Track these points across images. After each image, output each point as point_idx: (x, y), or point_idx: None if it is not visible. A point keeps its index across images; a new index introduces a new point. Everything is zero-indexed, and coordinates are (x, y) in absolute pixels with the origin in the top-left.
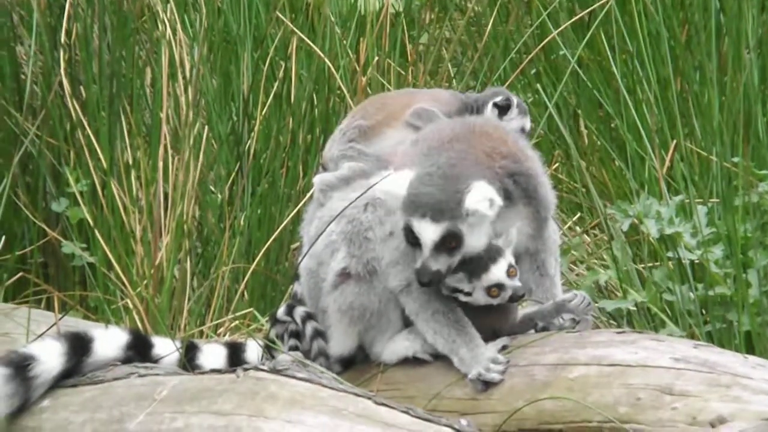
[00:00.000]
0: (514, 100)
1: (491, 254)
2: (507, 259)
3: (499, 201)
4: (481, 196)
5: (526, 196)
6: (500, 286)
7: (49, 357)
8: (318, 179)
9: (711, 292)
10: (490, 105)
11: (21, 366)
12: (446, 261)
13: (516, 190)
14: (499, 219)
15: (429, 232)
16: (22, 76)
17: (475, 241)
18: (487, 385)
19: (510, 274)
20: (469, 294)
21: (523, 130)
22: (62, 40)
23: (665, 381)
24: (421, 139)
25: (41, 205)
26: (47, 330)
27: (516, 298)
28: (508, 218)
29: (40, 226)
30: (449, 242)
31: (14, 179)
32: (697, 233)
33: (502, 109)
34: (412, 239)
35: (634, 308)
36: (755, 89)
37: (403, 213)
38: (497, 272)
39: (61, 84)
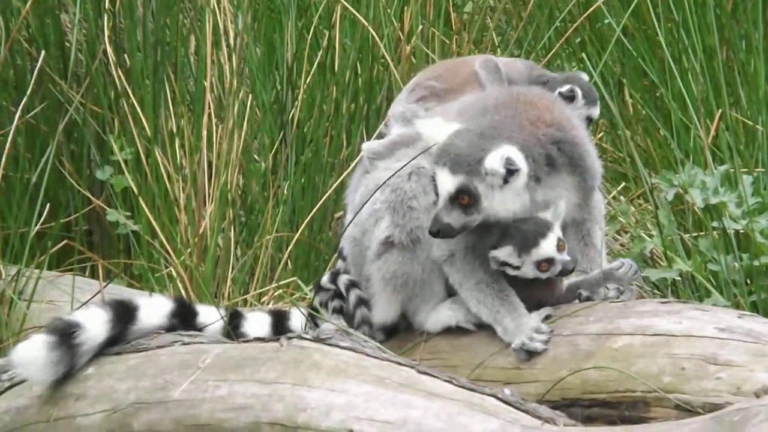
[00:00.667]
0: (579, 91)
1: (540, 228)
2: (556, 233)
3: (523, 167)
4: (502, 157)
5: (571, 164)
6: (550, 261)
7: (94, 324)
8: (366, 147)
9: (756, 262)
10: (555, 93)
11: (66, 333)
12: (460, 218)
13: (560, 157)
14: (544, 187)
15: (445, 182)
16: (67, 44)
17: (497, 205)
18: (531, 354)
19: (560, 248)
20: (518, 268)
21: (590, 119)
22: (106, 7)
23: (710, 351)
24: (468, 105)
25: (86, 173)
26: (92, 298)
27: (566, 272)
28: (554, 186)
29: (85, 194)
30: (462, 197)
31: (59, 147)
32: (742, 203)
33: (568, 99)
34: (436, 189)
35: (679, 278)
36: None
37: (432, 160)
38: (547, 247)
39: (105, 52)
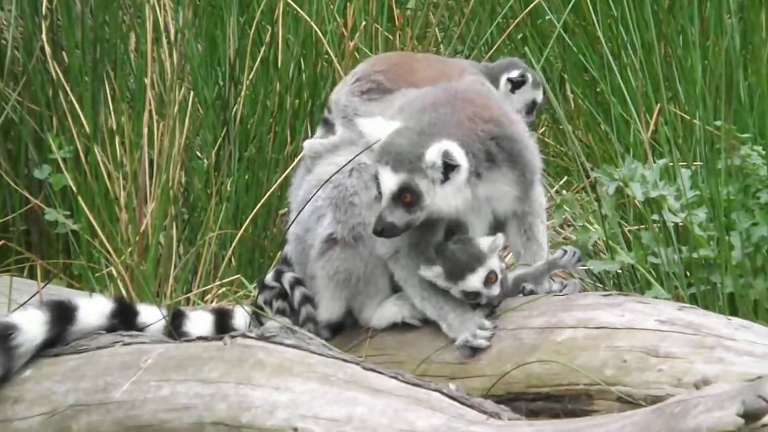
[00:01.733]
0: (529, 76)
1: (472, 262)
2: (488, 266)
3: (463, 163)
4: (440, 150)
5: (510, 160)
6: (476, 294)
7: (32, 326)
8: (307, 145)
9: (695, 255)
10: (504, 78)
11: (3, 335)
12: (403, 216)
13: (500, 153)
14: (485, 182)
15: (388, 181)
16: (3, 42)
17: (439, 201)
18: (475, 351)
19: (489, 280)
20: (446, 287)
21: (534, 103)
22: (44, 5)
23: (651, 343)
24: (407, 103)
25: (23, 172)
26: (30, 299)
27: (490, 305)
28: (494, 181)
29: (23, 193)
30: (404, 195)
31: None
32: (681, 196)
33: (516, 84)
34: (378, 188)
35: (621, 271)
36: (737, 53)
37: (373, 159)
38: (473, 282)
39: (42, 49)
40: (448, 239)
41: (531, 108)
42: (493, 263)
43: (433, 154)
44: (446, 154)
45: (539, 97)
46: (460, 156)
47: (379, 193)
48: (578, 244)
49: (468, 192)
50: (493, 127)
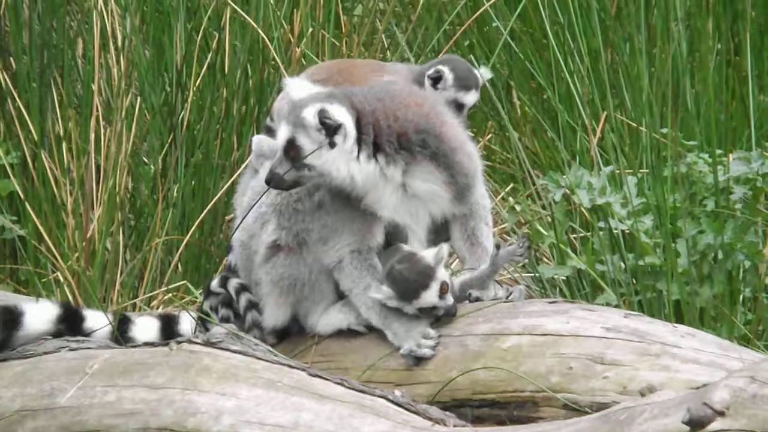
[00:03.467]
0: (447, 72)
1: (423, 279)
2: (439, 279)
3: (347, 125)
4: (317, 110)
5: (436, 159)
6: (432, 309)
7: None
8: (256, 140)
9: (641, 262)
10: (426, 77)
11: None
12: (291, 172)
13: (423, 148)
14: (413, 176)
15: (281, 132)
16: None
17: (328, 165)
18: (419, 360)
19: (443, 291)
20: (398, 306)
21: (459, 104)
22: None
23: (597, 350)
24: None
25: None
26: None
27: (449, 314)
28: (424, 179)
29: None
30: (290, 150)
31: None
32: (627, 203)
33: (435, 81)
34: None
35: (566, 277)
36: (683, 61)
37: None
38: (428, 297)
39: None
40: (388, 246)
41: (457, 108)
42: (442, 274)
43: (308, 111)
44: (322, 112)
45: (467, 98)
46: (341, 115)
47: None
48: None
49: (372, 168)
50: (419, 120)
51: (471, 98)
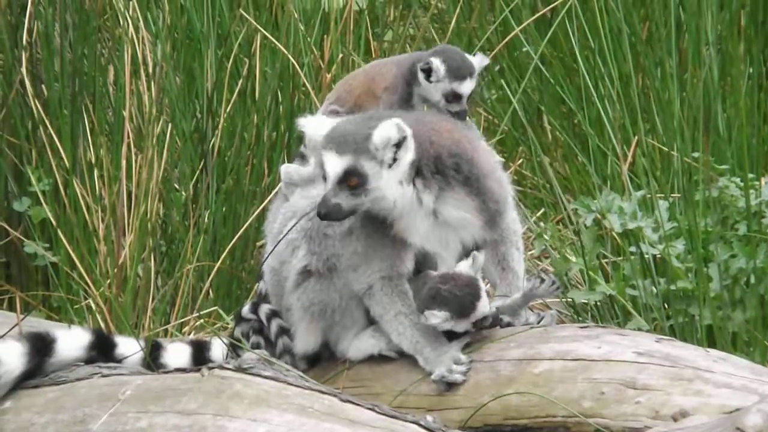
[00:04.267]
0: (438, 63)
1: (474, 291)
2: (484, 288)
3: (410, 139)
4: (390, 128)
5: (469, 184)
6: (486, 318)
7: (11, 358)
8: (283, 169)
9: (673, 287)
10: (418, 69)
11: None
12: (348, 199)
13: (456, 173)
14: (445, 203)
15: (333, 164)
16: None
17: (384, 186)
18: (450, 385)
19: (490, 297)
20: (450, 328)
21: (455, 93)
22: (24, 38)
23: (628, 375)
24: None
25: (3, 204)
26: (9, 330)
27: (493, 325)
28: (456, 206)
29: (2, 225)
30: (350, 179)
31: None
32: (658, 228)
33: (427, 73)
34: (324, 173)
35: (599, 302)
36: (715, 85)
37: (321, 150)
38: (483, 307)
39: (22, 82)
40: (417, 273)
41: (452, 98)
42: (482, 283)
43: (385, 129)
44: (399, 126)
45: (460, 88)
46: (406, 127)
47: (324, 177)
48: (557, 273)
49: (410, 192)
50: (452, 145)
51: (466, 87)
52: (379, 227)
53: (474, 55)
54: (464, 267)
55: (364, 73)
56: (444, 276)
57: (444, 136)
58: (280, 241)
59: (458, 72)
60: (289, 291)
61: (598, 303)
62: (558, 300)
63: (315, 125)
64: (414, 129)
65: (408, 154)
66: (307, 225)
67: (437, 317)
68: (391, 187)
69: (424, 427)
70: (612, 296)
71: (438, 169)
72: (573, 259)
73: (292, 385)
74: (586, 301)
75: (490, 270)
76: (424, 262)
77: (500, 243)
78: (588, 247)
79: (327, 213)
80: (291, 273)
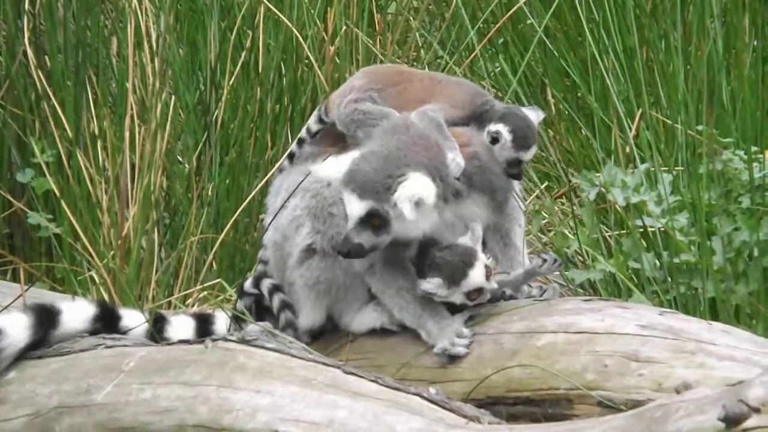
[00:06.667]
0: (506, 135)
1: (468, 258)
2: (481, 259)
3: (431, 199)
4: (412, 193)
5: (482, 188)
6: (480, 290)
7: (15, 329)
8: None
9: (676, 260)
10: (486, 129)
11: None
12: (370, 238)
13: (469, 181)
14: (455, 205)
15: (354, 206)
16: None
17: (408, 226)
18: (453, 358)
19: (487, 275)
20: (445, 297)
21: (517, 161)
22: (26, 8)
23: (631, 348)
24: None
25: (6, 175)
26: (13, 302)
27: (495, 299)
28: (465, 204)
29: (5, 196)
30: (373, 221)
31: None
32: (662, 201)
33: (492, 140)
34: (344, 211)
35: (596, 281)
36: (719, 58)
37: (341, 187)
38: (476, 277)
39: (25, 53)
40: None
41: (513, 165)
42: (485, 258)
43: (404, 194)
44: (419, 200)
45: (524, 156)
46: (429, 190)
47: (345, 216)
48: (556, 251)
49: (435, 215)
50: (469, 157)
51: (530, 155)
52: None
53: (530, 105)
54: (463, 239)
55: (421, 84)
56: (442, 246)
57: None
58: (276, 214)
59: (524, 142)
60: (292, 267)
61: (598, 281)
62: (559, 275)
63: (331, 168)
64: (429, 155)
65: (429, 204)
66: (311, 203)
67: (430, 283)
68: (416, 225)
69: (427, 399)
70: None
71: (463, 182)
72: (574, 233)
73: (295, 357)
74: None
75: (492, 245)
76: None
77: (504, 222)
78: (587, 223)
79: (349, 252)
80: (295, 250)
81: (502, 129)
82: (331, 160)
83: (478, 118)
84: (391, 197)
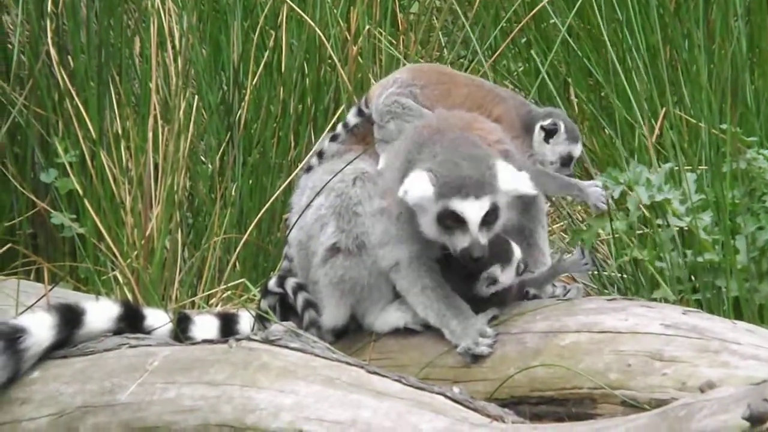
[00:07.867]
0: (562, 125)
1: (502, 239)
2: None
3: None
4: (511, 174)
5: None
6: (511, 289)
7: (40, 329)
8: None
9: (700, 259)
10: (537, 126)
11: (11, 338)
12: (488, 235)
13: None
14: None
15: (475, 208)
16: (9, 46)
17: (508, 215)
18: (477, 358)
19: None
20: (497, 282)
21: (570, 156)
22: (49, 8)
23: (655, 347)
24: (409, 137)
25: (30, 175)
26: (37, 301)
27: (522, 296)
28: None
29: (29, 196)
30: (492, 215)
31: (2, 150)
32: (686, 200)
33: (549, 133)
34: (451, 222)
35: (624, 275)
36: (743, 57)
37: (439, 200)
38: (516, 250)
39: (48, 53)
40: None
41: (567, 161)
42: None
43: (506, 179)
44: (519, 184)
45: (575, 151)
46: (524, 176)
47: (448, 228)
48: (587, 238)
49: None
50: (502, 145)
51: (579, 150)
52: (413, 216)
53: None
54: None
55: (468, 91)
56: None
57: (492, 139)
58: (302, 213)
59: (574, 134)
60: (316, 266)
61: (625, 276)
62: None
63: (414, 189)
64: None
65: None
66: (336, 202)
67: (495, 271)
68: (509, 213)
69: (451, 399)
70: (638, 267)
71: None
72: (601, 231)
73: (319, 356)
74: (612, 274)
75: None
76: None
77: (529, 222)
78: (631, 210)
79: (478, 256)
80: (319, 249)
81: (558, 121)
82: (408, 182)
83: (524, 126)
84: (498, 186)
